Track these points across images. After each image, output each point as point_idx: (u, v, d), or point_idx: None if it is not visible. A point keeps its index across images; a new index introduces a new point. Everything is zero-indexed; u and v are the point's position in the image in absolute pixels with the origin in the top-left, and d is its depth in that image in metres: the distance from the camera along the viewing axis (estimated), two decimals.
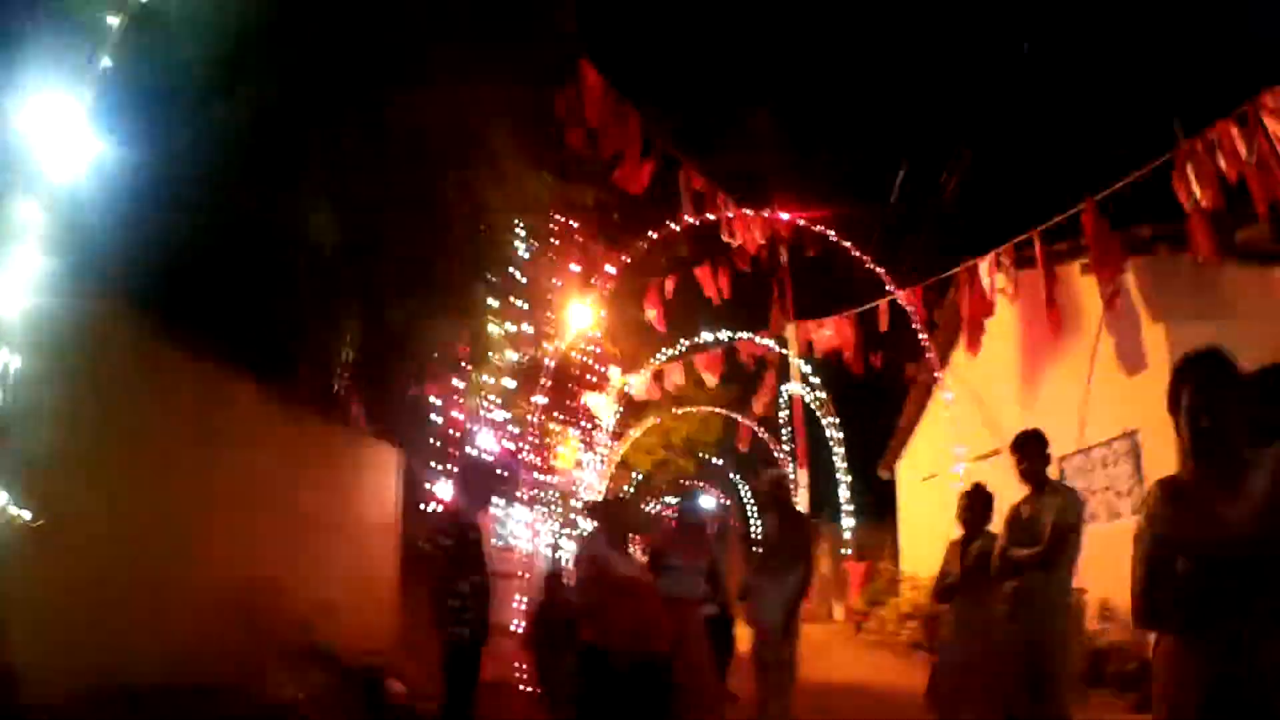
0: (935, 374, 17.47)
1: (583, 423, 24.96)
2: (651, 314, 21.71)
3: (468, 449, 15.92)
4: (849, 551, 24.60)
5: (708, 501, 21.96)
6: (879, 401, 23.94)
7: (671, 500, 45.41)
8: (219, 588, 8.96)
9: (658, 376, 24.59)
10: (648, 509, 34.33)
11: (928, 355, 16.10)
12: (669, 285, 21.65)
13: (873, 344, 21.95)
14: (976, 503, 8.63)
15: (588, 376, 22.93)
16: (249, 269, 9.44)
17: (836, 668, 15.82)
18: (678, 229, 15.86)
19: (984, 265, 13.70)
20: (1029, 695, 6.97)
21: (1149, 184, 11.77)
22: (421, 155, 11.48)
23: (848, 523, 25.21)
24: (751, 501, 41.35)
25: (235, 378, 10.15)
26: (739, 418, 28.94)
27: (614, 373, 24.28)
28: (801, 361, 25.50)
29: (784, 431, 28.29)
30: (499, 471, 14.32)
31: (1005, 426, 15.78)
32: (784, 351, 25.40)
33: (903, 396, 21.58)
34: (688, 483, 40.41)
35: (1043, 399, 14.07)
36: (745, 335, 24.33)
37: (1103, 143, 20.15)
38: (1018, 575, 7.21)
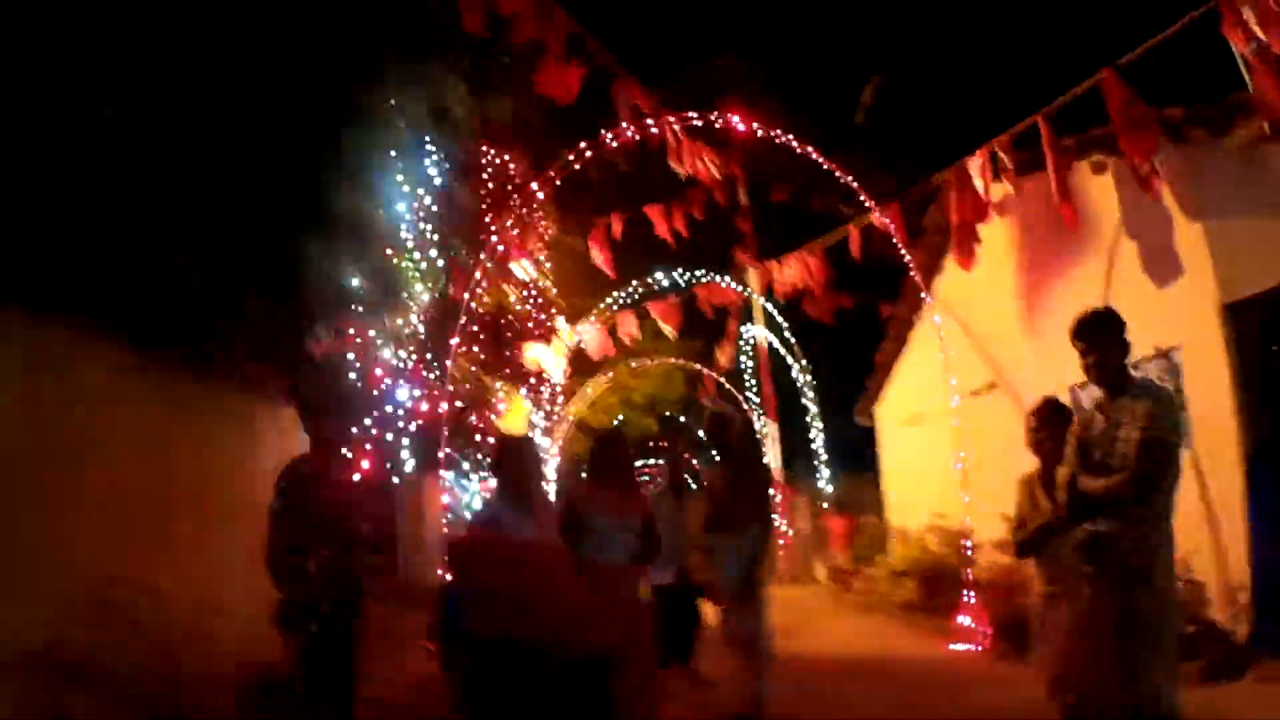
0: (921, 296, 15.42)
1: (531, 380, 22.89)
2: (597, 256, 19.60)
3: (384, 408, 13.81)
4: (827, 506, 22.66)
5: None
6: (855, 343, 21.86)
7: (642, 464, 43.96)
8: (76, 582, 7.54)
9: (610, 328, 22.50)
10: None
11: (911, 274, 13.97)
12: (616, 225, 19.69)
13: (845, 282, 20.17)
14: (1051, 419, 6.41)
15: (529, 326, 20.75)
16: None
17: (826, 636, 13.96)
18: (614, 143, 13.63)
19: (976, 164, 11.59)
20: (1118, 679, 4.92)
21: (1173, 61, 9.75)
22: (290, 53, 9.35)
23: (826, 475, 23.33)
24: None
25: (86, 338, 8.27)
26: (703, 369, 26.95)
27: (561, 324, 22.23)
28: (766, 303, 23.60)
29: (751, 383, 26.46)
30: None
31: (1003, 357, 13.80)
32: (747, 291, 23.40)
33: (880, 336, 19.52)
34: (654, 444, 38.76)
35: (1049, 322, 12.06)
36: (704, 276, 22.24)
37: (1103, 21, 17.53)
38: (1093, 515, 5.11)
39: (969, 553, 12.22)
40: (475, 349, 17.86)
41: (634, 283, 22.11)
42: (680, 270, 22.24)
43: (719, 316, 25.23)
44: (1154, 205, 9.93)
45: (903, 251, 13.23)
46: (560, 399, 24.45)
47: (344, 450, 7.87)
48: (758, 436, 23.17)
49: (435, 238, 14.66)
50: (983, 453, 12.59)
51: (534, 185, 14.89)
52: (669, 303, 22.15)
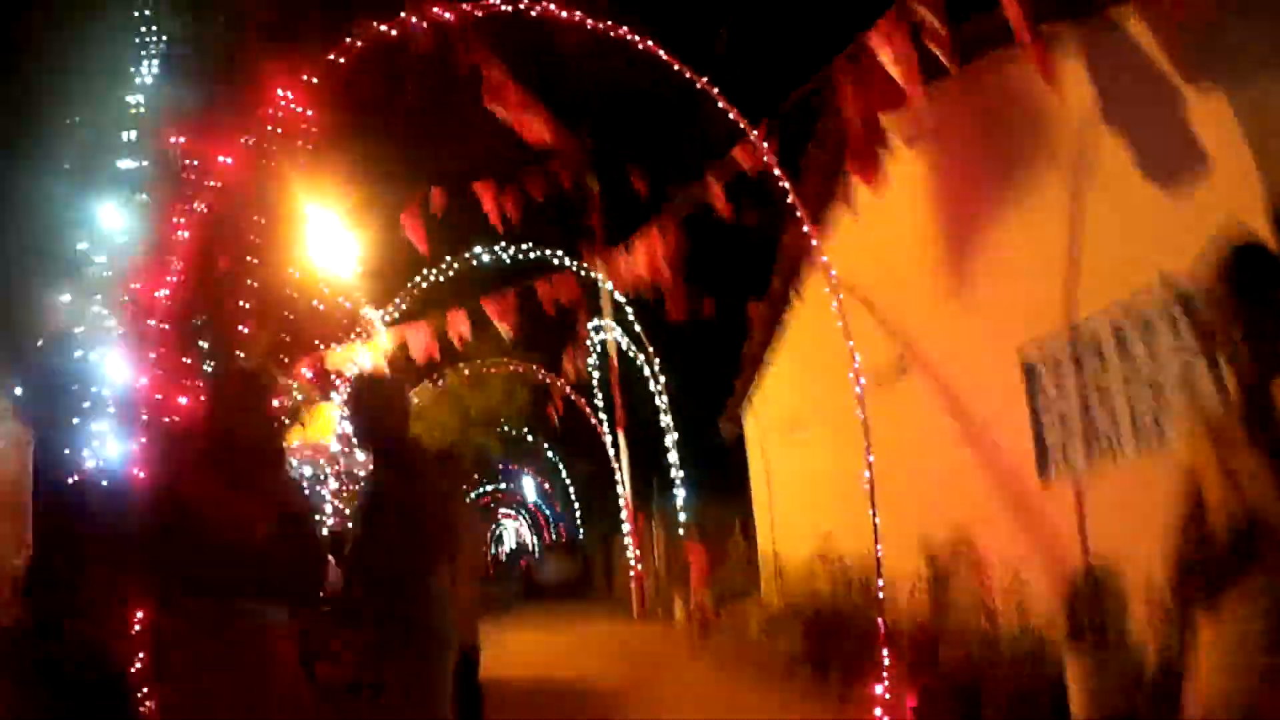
0: (797, 269, 12.13)
1: (338, 383, 19.07)
2: (411, 234, 16.32)
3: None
4: (684, 532, 19.19)
5: None
6: (719, 347, 18.46)
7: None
8: None
9: (436, 327, 18.88)
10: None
11: (788, 235, 10.50)
12: (436, 198, 16.39)
13: (708, 273, 16.97)
14: (1252, 281, 2.75)
15: (317, 307, 17.05)
16: None
17: (675, 706, 10.36)
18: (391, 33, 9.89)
19: (879, 36, 8.14)
20: None
21: None
22: None
23: (684, 496, 19.87)
24: (576, 487, 36.11)
25: None
26: (549, 378, 23.41)
27: (369, 313, 18.57)
28: (617, 294, 20.22)
29: (599, 393, 23.06)
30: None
31: (917, 327, 10.47)
32: (596, 277, 20.01)
33: (746, 334, 16.11)
34: (499, 463, 34.97)
35: (989, 271, 8.83)
36: (541, 254, 18.82)
37: None
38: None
39: (879, 593, 8.84)
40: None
41: (452, 264, 18.50)
42: (510, 250, 18.70)
43: (564, 317, 21.84)
44: (1153, 77, 6.72)
45: (781, 184, 9.69)
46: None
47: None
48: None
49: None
50: (886, 461, 9.18)
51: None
52: (504, 299, 18.70)
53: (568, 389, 23.28)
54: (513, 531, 67.42)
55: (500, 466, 36.95)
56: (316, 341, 18.13)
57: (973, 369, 9.21)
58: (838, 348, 9.47)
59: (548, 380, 23.44)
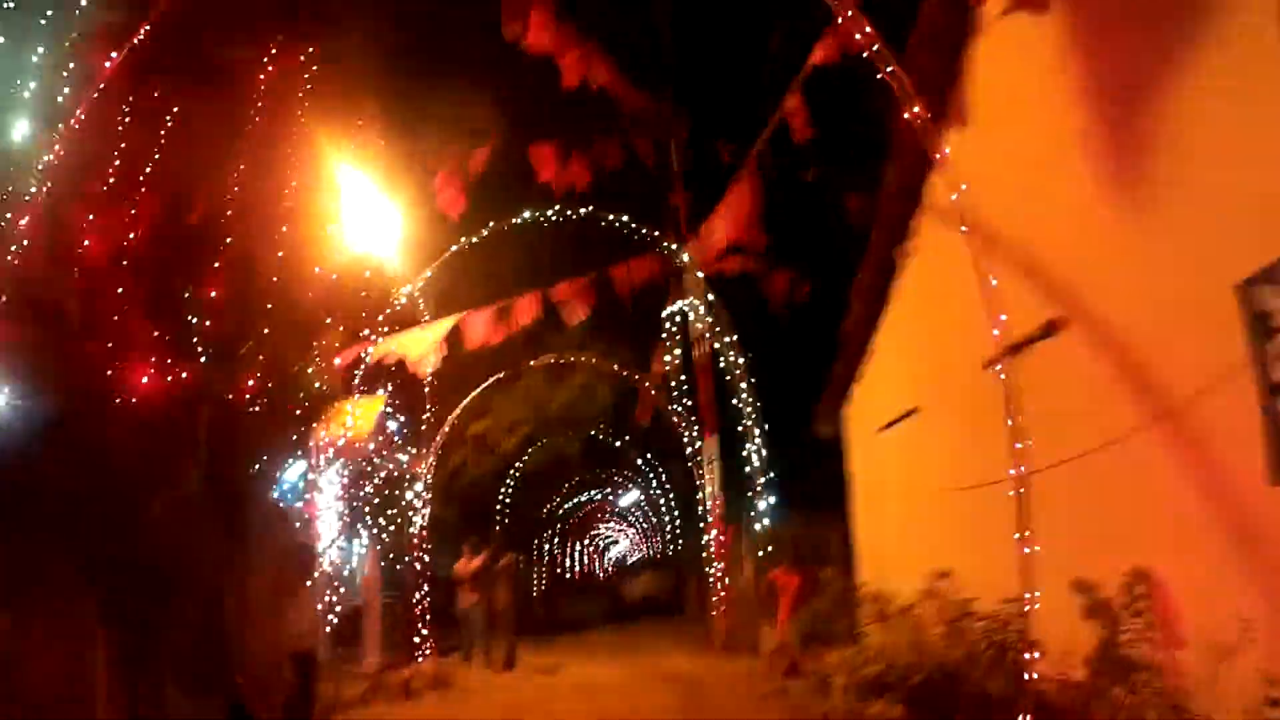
0: (908, 211, 9.25)
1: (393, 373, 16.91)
2: (446, 202, 14.50)
3: None
4: (770, 552, 16.14)
5: None
6: (817, 333, 15.57)
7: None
8: None
9: (500, 310, 16.63)
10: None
11: (914, 118, 7.49)
12: (478, 158, 14.43)
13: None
14: None
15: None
16: None
17: None
18: None
19: None
20: None
21: None
22: None
23: (773, 512, 16.90)
24: (668, 496, 33.38)
25: None
26: (632, 375, 20.76)
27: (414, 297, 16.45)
28: (702, 275, 17.61)
29: (681, 389, 20.28)
30: None
31: (1076, 269, 7.39)
32: (680, 260, 17.47)
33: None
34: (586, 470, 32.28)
35: (1193, 171, 5.79)
36: (627, 224, 16.49)
37: None
38: None
39: (1027, 652, 5.89)
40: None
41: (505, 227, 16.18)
42: (582, 211, 16.34)
43: (645, 309, 19.30)
44: None
45: (889, 70, 6.76)
46: (429, 405, 18.10)
47: None
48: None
49: None
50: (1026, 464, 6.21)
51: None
52: (577, 283, 16.34)
53: (653, 390, 20.60)
54: (619, 545, 65.01)
55: (593, 474, 34.30)
56: (362, 330, 15.93)
57: (1162, 323, 6.15)
58: (962, 313, 6.57)
59: (634, 378, 20.77)
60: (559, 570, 41.36)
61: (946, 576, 9.34)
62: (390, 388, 18.00)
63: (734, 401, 17.65)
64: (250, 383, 11.94)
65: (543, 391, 23.66)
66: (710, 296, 17.84)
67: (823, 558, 14.53)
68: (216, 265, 10.67)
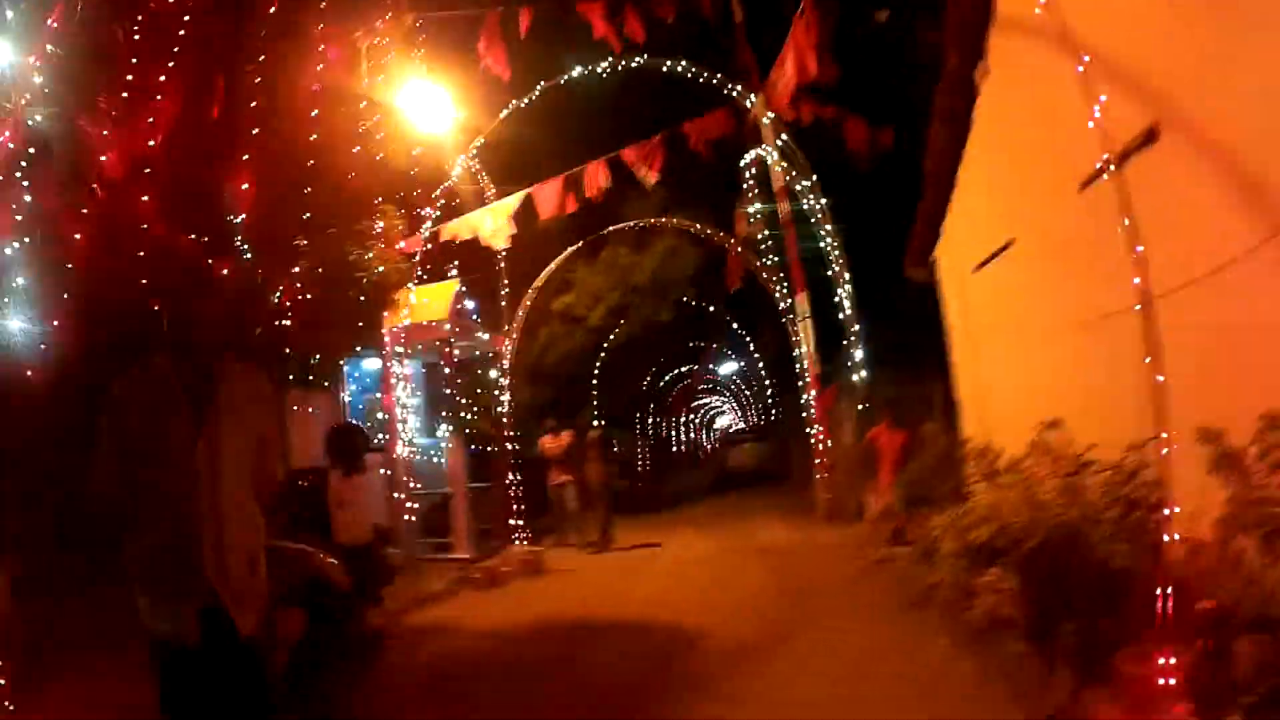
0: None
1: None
2: (486, 55, 13.74)
3: None
4: (867, 410, 15.16)
5: None
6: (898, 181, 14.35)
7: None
8: None
9: (570, 180, 15.84)
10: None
11: None
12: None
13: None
14: None
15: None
16: None
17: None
18: None
19: None
20: None
21: None
22: None
23: (865, 368, 15.92)
24: (765, 362, 32.39)
25: None
26: (714, 235, 19.75)
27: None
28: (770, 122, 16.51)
29: (767, 245, 19.20)
30: None
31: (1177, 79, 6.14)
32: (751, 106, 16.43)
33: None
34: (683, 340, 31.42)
35: None
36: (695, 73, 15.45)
37: None
38: None
39: (1164, 508, 4.95)
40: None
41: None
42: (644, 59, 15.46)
43: (722, 165, 18.32)
44: None
45: None
46: (506, 281, 17.39)
47: None
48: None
49: None
50: (1130, 294, 5.15)
51: None
52: (647, 144, 16.06)
53: (739, 249, 19.58)
54: (720, 417, 64.58)
55: (689, 345, 33.50)
56: (419, 209, 15.28)
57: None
58: (1050, 133, 5.45)
59: (717, 238, 19.75)
60: (662, 445, 41.01)
61: (1056, 426, 8.32)
62: (458, 269, 17.40)
63: (822, 248, 16.66)
64: (296, 270, 11.25)
65: (627, 261, 22.87)
66: (784, 138, 16.77)
67: (924, 414, 13.51)
68: (246, 157, 9.91)
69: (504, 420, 17.46)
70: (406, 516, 14.43)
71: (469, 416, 17.74)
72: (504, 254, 16.72)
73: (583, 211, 17.03)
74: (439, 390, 16.87)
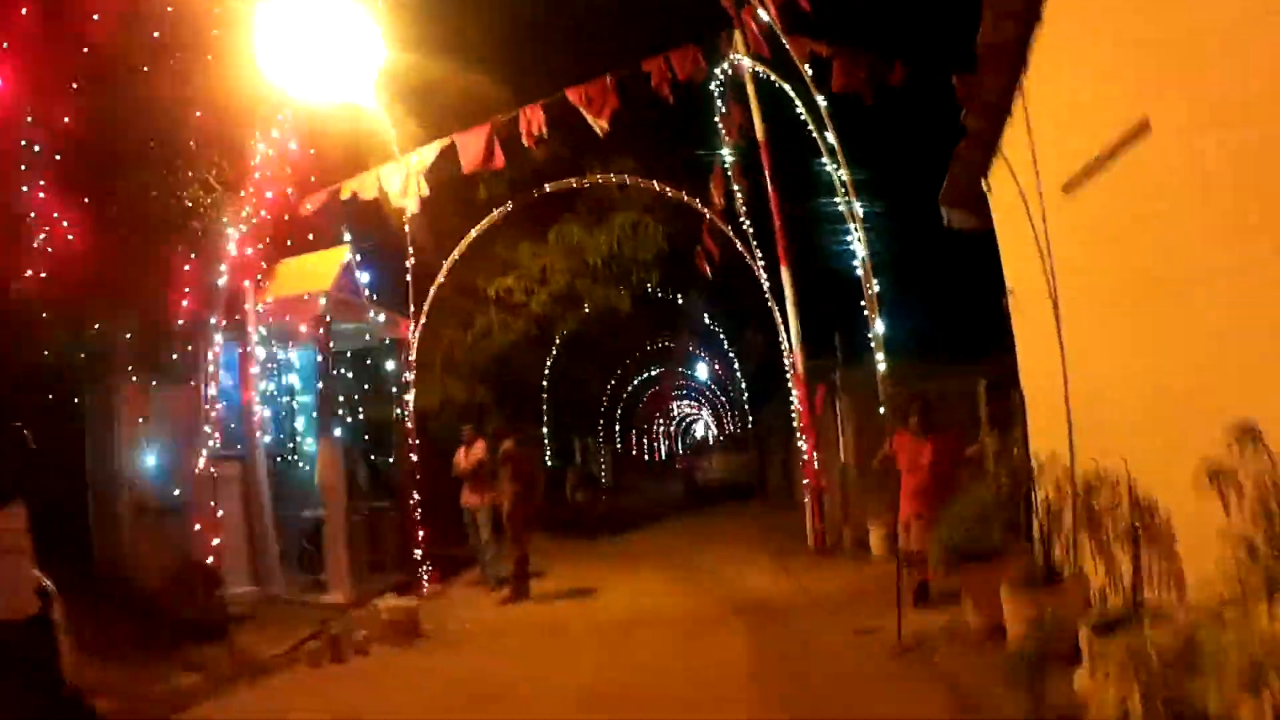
0: None
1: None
2: None
3: None
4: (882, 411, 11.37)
5: None
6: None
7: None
8: None
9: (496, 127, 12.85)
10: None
11: None
12: None
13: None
14: None
15: None
16: None
17: None
18: None
19: None
20: None
21: None
22: None
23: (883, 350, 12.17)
24: (738, 360, 29.10)
25: None
26: (696, 202, 16.14)
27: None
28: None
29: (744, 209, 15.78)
30: None
31: None
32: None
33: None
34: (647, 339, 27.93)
35: None
36: None
37: None
38: None
39: None
40: None
41: None
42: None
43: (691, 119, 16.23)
44: None
45: None
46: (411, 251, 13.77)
47: None
48: None
49: None
50: None
51: None
52: (597, 84, 12.76)
53: (713, 218, 15.99)
54: (691, 426, 61.45)
55: (657, 343, 30.12)
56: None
57: None
58: None
59: (690, 204, 16.06)
60: (625, 455, 38.16)
61: (1253, 435, 4.53)
62: (352, 237, 13.88)
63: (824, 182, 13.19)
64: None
65: (580, 238, 19.14)
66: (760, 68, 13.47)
67: (964, 417, 9.77)
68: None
69: (406, 425, 13.80)
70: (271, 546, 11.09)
71: (356, 418, 14.22)
72: (412, 219, 13.35)
73: (531, 178, 15.37)
74: (320, 383, 13.06)
